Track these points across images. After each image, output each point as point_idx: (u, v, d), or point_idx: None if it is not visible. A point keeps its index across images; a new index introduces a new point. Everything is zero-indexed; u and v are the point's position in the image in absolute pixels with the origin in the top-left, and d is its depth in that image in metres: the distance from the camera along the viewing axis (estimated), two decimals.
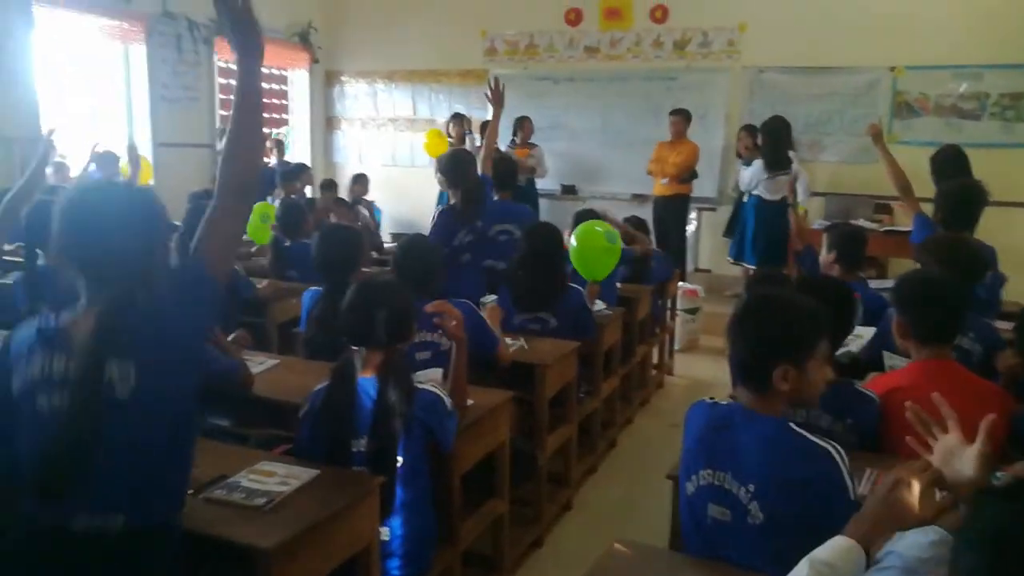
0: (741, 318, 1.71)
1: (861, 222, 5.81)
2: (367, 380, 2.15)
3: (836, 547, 1.26)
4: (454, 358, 2.41)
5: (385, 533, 2.11)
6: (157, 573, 1.50)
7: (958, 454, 1.30)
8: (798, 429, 1.63)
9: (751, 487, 1.61)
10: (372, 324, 2.15)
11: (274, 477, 1.90)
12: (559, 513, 3.37)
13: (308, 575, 1.78)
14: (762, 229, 6.28)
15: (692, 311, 6.04)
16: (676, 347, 5.74)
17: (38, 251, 2.96)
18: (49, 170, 2.62)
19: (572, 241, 3.89)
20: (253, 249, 5.22)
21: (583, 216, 4.38)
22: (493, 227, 4.26)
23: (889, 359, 2.47)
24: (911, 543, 1.22)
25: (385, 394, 2.10)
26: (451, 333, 2.40)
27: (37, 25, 5.94)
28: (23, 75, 5.90)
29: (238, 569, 1.66)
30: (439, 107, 8.49)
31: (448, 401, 2.20)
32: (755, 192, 6.34)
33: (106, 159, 5.84)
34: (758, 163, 6.24)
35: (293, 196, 6.64)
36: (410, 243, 3.15)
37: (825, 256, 3.30)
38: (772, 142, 6.17)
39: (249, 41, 1.51)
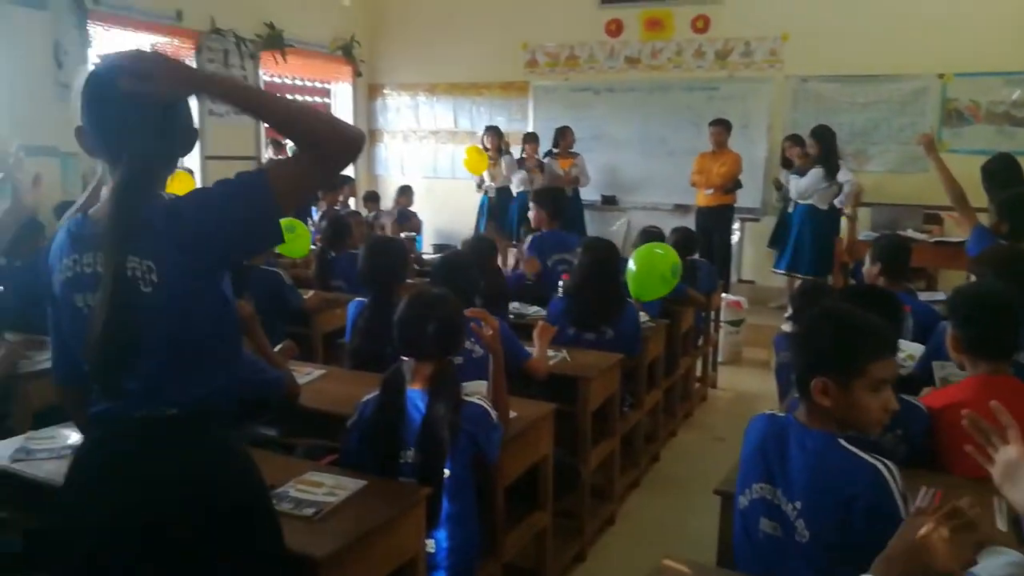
0: (800, 327, 1.72)
1: (910, 232, 5.68)
2: (415, 392, 2.17)
3: None
4: (492, 372, 2.40)
5: (431, 545, 2.11)
6: (218, 445, 1.49)
7: (1020, 467, 1.25)
8: (846, 445, 1.59)
9: (798, 504, 1.59)
10: (424, 336, 2.17)
11: (322, 487, 1.92)
12: (602, 527, 3.34)
13: None
14: (817, 239, 6.19)
15: (736, 323, 5.97)
16: (720, 359, 5.67)
17: None
18: (105, 189, 2.68)
19: (631, 262, 3.85)
20: (298, 261, 5.30)
21: (650, 234, 4.38)
22: (552, 256, 4.52)
23: (940, 369, 2.40)
24: (987, 563, 1.19)
25: (435, 406, 2.11)
26: (487, 342, 2.40)
27: (93, 43, 6.13)
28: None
29: None
30: (480, 119, 8.53)
31: (494, 414, 2.21)
32: (808, 201, 6.26)
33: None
34: (817, 172, 6.13)
35: (336, 207, 6.75)
36: (448, 258, 3.17)
37: (869, 267, 3.22)
38: (828, 149, 6.11)
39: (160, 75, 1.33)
